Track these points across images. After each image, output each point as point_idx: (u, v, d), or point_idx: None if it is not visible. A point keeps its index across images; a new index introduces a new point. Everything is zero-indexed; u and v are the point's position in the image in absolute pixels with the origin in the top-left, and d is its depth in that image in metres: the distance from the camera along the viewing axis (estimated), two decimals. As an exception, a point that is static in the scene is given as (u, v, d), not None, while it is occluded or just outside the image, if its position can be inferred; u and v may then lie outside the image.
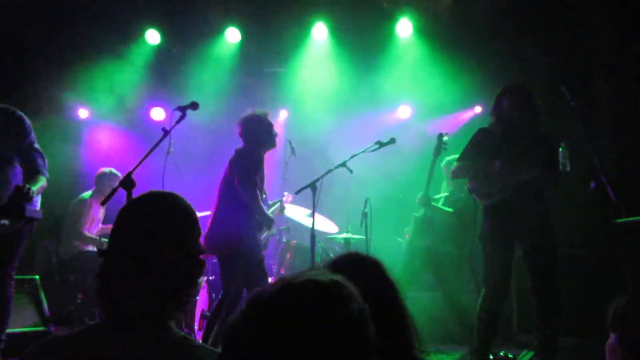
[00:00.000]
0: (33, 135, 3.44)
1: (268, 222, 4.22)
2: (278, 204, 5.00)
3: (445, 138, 4.84)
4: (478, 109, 6.78)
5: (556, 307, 3.57)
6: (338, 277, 0.94)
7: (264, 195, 4.36)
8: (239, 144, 4.35)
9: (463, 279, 4.95)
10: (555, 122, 4.16)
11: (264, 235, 4.44)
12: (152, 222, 1.37)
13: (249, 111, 4.40)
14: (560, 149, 3.62)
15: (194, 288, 1.44)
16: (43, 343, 1.35)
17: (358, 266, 1.45)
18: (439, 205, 5.27)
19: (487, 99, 6.38)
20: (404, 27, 6.41)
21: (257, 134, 4.28)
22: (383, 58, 6.58)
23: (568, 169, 3.62)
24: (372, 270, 1.45)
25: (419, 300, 4.90)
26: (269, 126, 4.35)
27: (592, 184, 3.16)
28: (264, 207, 4.26)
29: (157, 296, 1.34)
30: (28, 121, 3.42)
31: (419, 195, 4.95)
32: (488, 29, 5.91)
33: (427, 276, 5.21)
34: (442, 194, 5.44)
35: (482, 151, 3.81)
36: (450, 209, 5.19)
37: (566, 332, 3.86)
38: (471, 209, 4.88)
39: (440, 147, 4.81)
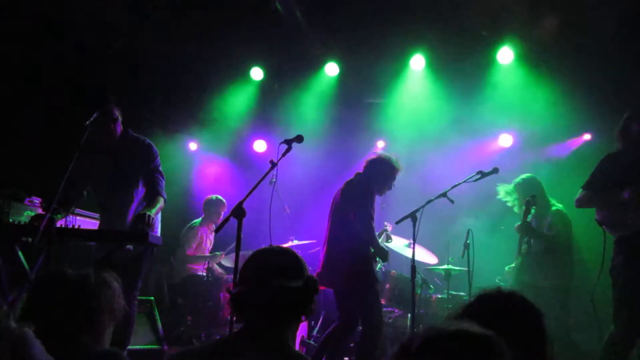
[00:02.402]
0: (158, 160, 3.86)
1: (383, 254, 4.24)
2: (384, 234, 5.01)
3: (532, 201, 4.61)
4: (587, 137, 6.43)
5: None
6: (489, 332, 0.94)
7: None
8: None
9: (569, 315, 4.65)
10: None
11: (379, 267, 4.46)
12: (275, 263, 1.77)
13: (385, 153, 4.50)
14: None
15: (308, 310, 1.78)
16: (180, 353, 1.66)
17: (511, 313, 1.45)
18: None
19: (598, 126, 6.10)
20: (505, 54, 6.26)
21: (378, 175, 4.35)
22: (483, 86, 6.46)
23: None
24: (523, 319, 1.45)
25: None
26: (393, 177, 4.40)
27: None
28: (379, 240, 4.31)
29: (279, 316, 1.70)
30: (155, 148, 3.86)
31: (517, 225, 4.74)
32: (597, 52, 5.62)
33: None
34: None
35: (611, 179, 3.60)
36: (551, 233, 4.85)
37: None
38: (563, 238, 4.62)
39: (529, 209, 4.59)
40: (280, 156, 3.45)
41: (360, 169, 4.43)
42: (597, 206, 3.67)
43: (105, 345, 1.92)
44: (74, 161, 3.20)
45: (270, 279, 1.71)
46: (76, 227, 3.52)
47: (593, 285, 3.60)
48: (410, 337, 0.95)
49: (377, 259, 4.27)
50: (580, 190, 3.77)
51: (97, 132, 3.58)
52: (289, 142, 3.48)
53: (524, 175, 4.97)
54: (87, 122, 3.56)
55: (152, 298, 4.90)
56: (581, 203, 3.77)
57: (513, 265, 5.01)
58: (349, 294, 4.14)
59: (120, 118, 3.80)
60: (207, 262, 5.90)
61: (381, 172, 4.36)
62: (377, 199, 4.39)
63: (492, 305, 1.46)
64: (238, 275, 1.81)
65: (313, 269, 5.98)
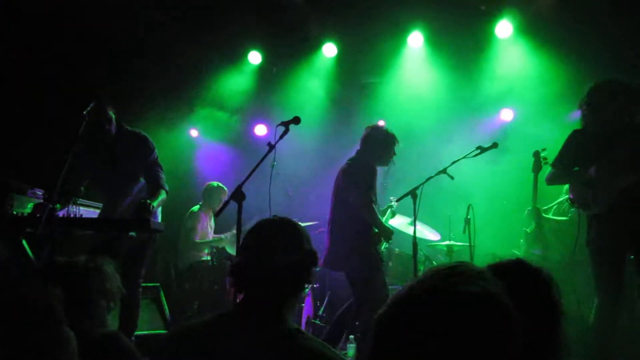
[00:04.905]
0: (156, 153, 3.86)
1: (387, 234, 4.23)
2: (389, 211, 5.01)
3: (543, 153, 4.55)
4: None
5: None
6: (488, 284, 0.93)
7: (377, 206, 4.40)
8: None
9: (579, 289, 4.65)
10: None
11: (384, 246, 4.46)
12: (274, 237, 1.74)
13: (379, 123, 4.43)
14: None
15: (306, 282, 1.77)
16: (181, 328, 1.68)
17: (532, 278, 1.43)
18: (550, 215, 4.99)
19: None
20: (504, 28, 6.21)
21: (375, 147, 4.31)
22: (482, 61, 6.41)
23: None
24: (543, 285, 1.42)
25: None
26: (391, 145, 4.36)
27: None
28: (382, 219, 4.30)
29: (275, 289, 1.68)
30: (151, 141, 3.85)
31: (528, 209, 4.73)
32: (597, 23, 5.55)
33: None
34: (555, 202, 5.13)
35: (578, 155, 3.57)
36: (564, 217, 4.87)
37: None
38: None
39: (539, 162, 4.53)
40: (277, 138, 3.46)
41: (362, 141, 4.40)
42: (567, 184, 3.67)
43: (107, 329, 1.96)
44: (72, 151, 3.22)
45: (267, 252, 1.70)
46: (78, 216, 3.57)
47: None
48: (409, 287, 0.96)
49: (382, 238, 4.28)
50: (550, 168, 3.76)
51: (93, 127, 3.56)
52: (286, 124, 3.48)
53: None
54: (84, 112, 3.58)
55: (159, 284, 4.96)
56: (551, 181, 3.79)
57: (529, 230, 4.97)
58: (356, 275, 4.17)
59: (113, 117, 3.78)
60: (212, 247, 5.95)
61: (377, 142, 4.31)
62: (379, 176, 4.36)
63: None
64: (240, 246, 1.79)
65: (318, 250, 6.05)
